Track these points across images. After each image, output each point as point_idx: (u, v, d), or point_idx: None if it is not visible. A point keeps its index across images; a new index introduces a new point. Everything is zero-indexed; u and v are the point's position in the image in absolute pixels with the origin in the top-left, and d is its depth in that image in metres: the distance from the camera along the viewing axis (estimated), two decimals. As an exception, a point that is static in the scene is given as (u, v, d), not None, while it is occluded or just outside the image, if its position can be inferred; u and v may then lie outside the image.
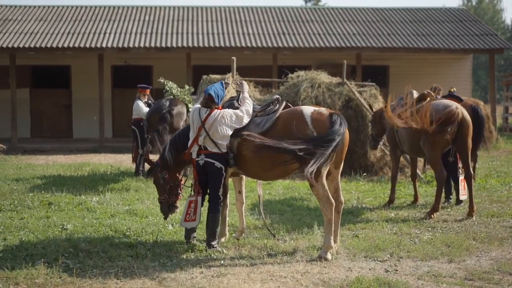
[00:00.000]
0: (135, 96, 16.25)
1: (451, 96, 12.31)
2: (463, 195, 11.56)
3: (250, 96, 16.27)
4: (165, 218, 9.24)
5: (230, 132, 8.39)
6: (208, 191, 8.61)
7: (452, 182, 12.05)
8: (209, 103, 8.47)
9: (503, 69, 58.64)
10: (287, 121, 8.19)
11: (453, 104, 10.83)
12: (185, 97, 15.35)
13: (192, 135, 8.52)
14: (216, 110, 8.44)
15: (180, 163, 9.02)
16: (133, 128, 15.55)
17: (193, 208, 8.52)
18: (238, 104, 8.73)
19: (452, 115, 10.55)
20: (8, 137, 24.17)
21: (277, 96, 8.78)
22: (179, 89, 15.51)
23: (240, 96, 8.80)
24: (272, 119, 8.35)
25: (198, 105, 8.67)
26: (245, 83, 9.05)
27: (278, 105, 8.58)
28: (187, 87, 15.85)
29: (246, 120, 8.47)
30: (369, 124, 14.31)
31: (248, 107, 8.59)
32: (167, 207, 9.15)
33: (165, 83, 15.58)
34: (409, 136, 11.27)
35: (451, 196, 12.10)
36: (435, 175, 11.01)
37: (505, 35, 60.44)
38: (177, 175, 9.07)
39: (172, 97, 15.11)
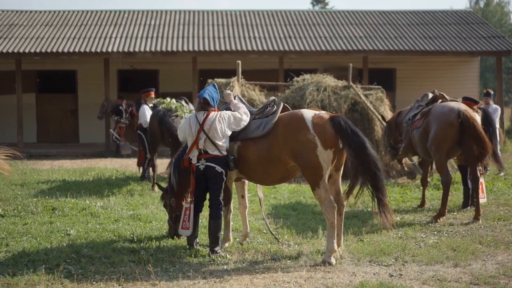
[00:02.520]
0: (141, 101, 16.20)
1: (467, 99, 12.22)
2: (481, 198, 11.31)
3: (254, 100, 16.42)
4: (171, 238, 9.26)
5: (229, 133, 8.38)
6: (207, 197, 8.58)
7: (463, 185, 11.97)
8: (205, 106, 8.46)
9: (511, 71, 58.38)
10: (287, 125, 8.13)
11: (460, 106, 10.75)
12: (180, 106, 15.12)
13: (190, 141, 8.48)
14: (213, 112, 8.41)
15: (183, 184, 8.95)
16: (139, 132, 15.47)
17: (188, 216, 8.49)
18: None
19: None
20: (14, 142, 24.14)
21: (274, 98, 8.74)
22: (174, 101, 15.26)
23: (231, 105, 8.72)
24: (271, 121, 8.29)
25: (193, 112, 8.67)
26: (228, 93, 8.94)
27: (276, 106, 8.52)
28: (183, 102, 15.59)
29: (244, 122, 8.44)
30: (384, 136, 13.92)
31: (245, 109, 8.57)
32: (173, 233, 9.19)
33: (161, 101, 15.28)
34: (421, 139, 11.21)
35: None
36: (441, 178, 10.95)
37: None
38: (183, 204, 8.95)
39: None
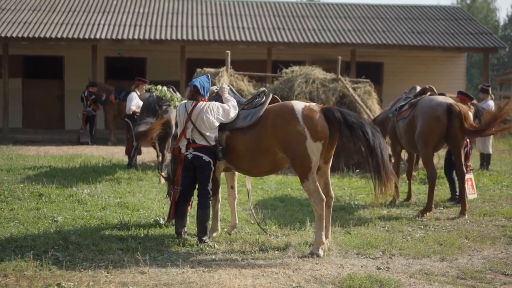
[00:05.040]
0: (131, 88, 16.11)
1: (462, 94, 12.25)
2: (471, 194, 11.38)
3: (243, 90, 16.41)
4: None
5: (217, 124, 8.36)
6: (195, 186, 8.60)
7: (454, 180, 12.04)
8: (195, 95, 8.46)
9: (496, 68, 58.69)
10: (277, 116, 8.13)
11: (447, 101, 10.77)
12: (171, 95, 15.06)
13: (179, 130, 8.51)
14: (202, 102, 8.40)
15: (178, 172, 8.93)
16: (127, 120, 15.42)
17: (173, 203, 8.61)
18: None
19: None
20: (-1, 127, 24.07)
21: (263, 89, 8.74)
22: (165, 88, 15.19)
23: (223, 98, 8.71)
24: (259, 112, 8.30)
25: (184, 100, 8.67)
26: (225, 87, 8.93)
27: (264, 97, 8.53)
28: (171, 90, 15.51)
29: (232, 115, 8.43)
30: None
31: (234, 103, 8.55)
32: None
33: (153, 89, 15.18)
34: (406, 130, 11.22)
35: (457, 195, 11.96)
36: (427, 173, 11.00)
37: (497, 34, 60.48)
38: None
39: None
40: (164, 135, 14.17)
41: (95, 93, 22.30)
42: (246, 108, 8.55)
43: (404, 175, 13.63)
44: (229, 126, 8.45)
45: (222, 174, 9.05)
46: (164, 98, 14.21)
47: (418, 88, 12.10)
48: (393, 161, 12.71)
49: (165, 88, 14.72)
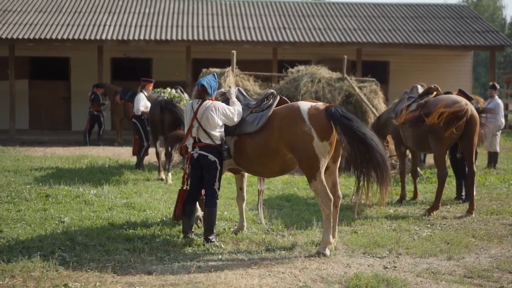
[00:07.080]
0: (138, 89, 16.12)
1: (461, 92, 12.21)
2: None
3: (249, 90, 16.42)
4: None
5: (221, 123, 8.36)
6: (203, 185, 8.60)
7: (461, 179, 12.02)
8: (202, 94, 8.49)
9: (502, 66, 58.59)
10: (284, 118, 8.12)
11: (463, 100, 10.70)
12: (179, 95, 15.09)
13: (186, 128, 8.55)
14: (208, 100, 8.41)
15: None
16: (134, 121, 15.39)
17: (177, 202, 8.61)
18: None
19: (461, 110, 10.42)
20: (6, 129, 24.12)
21: (272, 91, 8.72)
22: (173, 90, 15.24)
23: (229, 101, 8.72)
24: (266, 115, 8.29)
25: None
26: (232, 90, 8.95)
27: (272, 100, 8.51)
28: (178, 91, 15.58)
29: (236, 119, 8.44)
30: None
31: (239, 107, 8.56)
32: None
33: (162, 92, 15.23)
34: (414, 131, 11.16)
35: (463, 194, 11.96)
36: (438, 172, 10.91)
37: (503, 32, 60.36)
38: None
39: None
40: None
41: (96, 93, 22.37)
42: (254, 112, 8.53)
43: (409, 174, 13.61)
44: (237, 131, 8.44)
45: (230, 174, 9.06)
46: (173, 99, 14.20)
47: (419, 88, 12.00)
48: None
49: (173, 90, 14.74)
